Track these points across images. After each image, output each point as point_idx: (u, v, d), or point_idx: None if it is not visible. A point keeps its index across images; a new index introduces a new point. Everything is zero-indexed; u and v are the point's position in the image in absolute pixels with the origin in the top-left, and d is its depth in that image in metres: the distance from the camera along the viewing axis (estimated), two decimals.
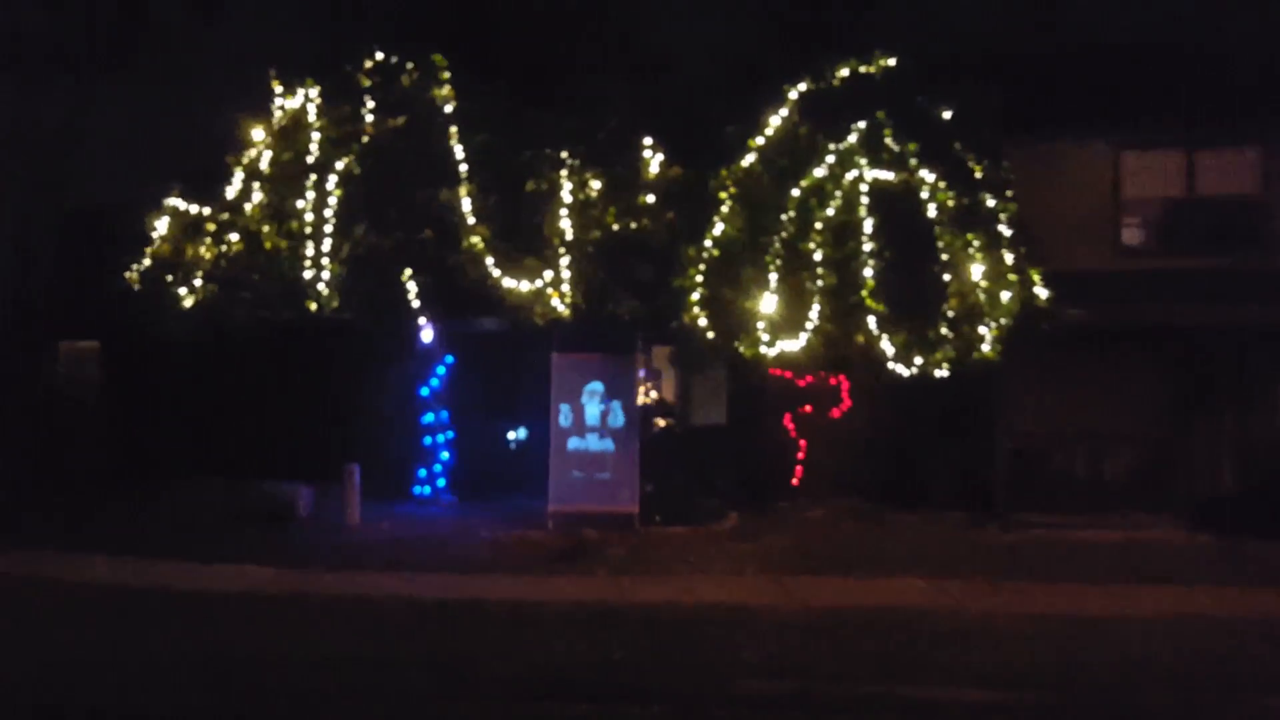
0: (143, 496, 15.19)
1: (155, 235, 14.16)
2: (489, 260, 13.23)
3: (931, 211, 13.68)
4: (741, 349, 13.64)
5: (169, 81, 16.53)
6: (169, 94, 16.53)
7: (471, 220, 13.26)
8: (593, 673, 8.37)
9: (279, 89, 13.92)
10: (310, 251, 13.12)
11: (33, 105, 17.01)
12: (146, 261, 14.14)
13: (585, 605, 10.25)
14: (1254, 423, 15.37)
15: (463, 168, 13.38)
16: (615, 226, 13.63)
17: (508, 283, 13.30)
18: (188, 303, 13.74)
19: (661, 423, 16.63)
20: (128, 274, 14.08)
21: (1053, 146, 15.79)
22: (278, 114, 13.90)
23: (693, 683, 8.21)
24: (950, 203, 13.70)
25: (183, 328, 14.03)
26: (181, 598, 10.31)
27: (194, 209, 14.14)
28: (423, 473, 15.41)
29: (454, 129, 13.44)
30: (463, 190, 13.26)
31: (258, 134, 13.91)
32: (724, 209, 13.53)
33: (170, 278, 13.99)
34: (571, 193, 13.46)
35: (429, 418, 15.29)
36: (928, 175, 13.71)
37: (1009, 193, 14.41)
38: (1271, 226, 15.82)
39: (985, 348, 13.81)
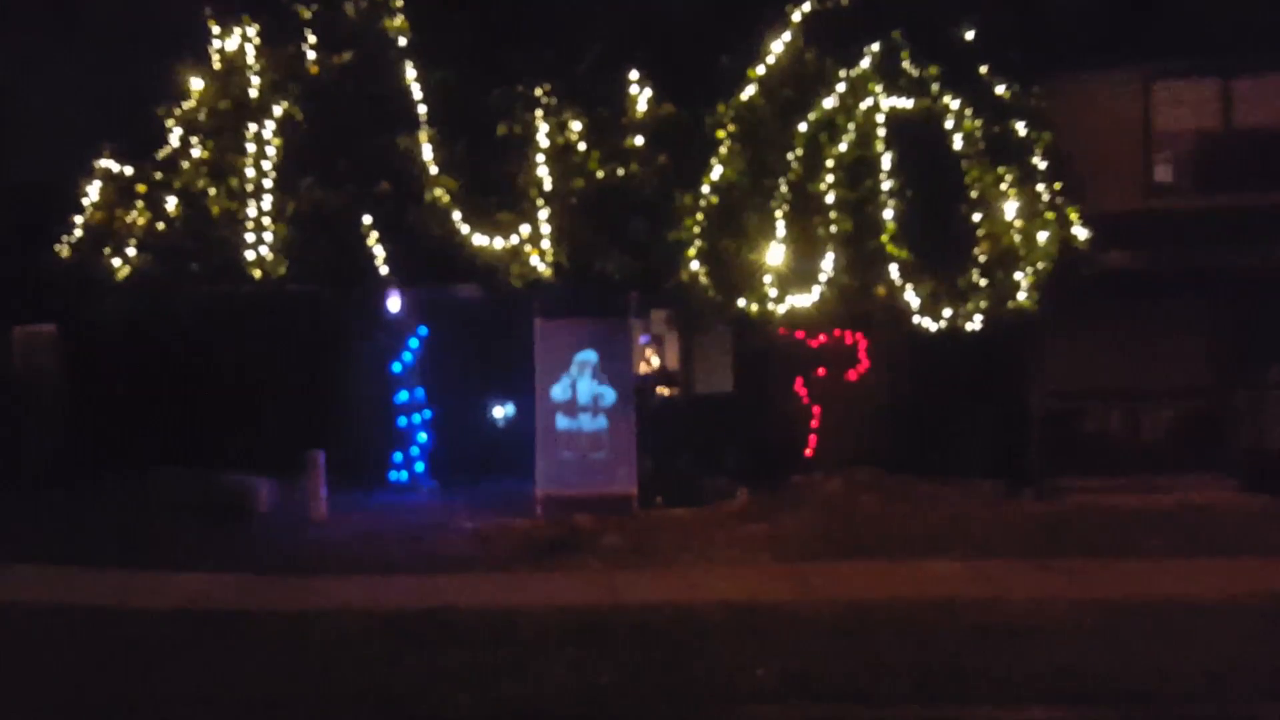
0: (98, 492, 13.75)
1: (87, 202, 12.65)
2: (456, 215, 11.69)
3: (958, 143, 12.30)
4: (747, 307, 12.18)
5: (105, 32, 14.98)
6: (105, 46, 14.96)
7: (434, 170, 11.72)
8: (572, 702, 6.93)
9: (215, 30, 12.35)
10: (252, 211, 11.59)
11: None
12: (78, 232, 12.65)
13: (571, 610, 8.76)
14: None
15: (422, 110, 11.85)
16: (600, 174, 12.16)
17: (478, 240, 11.79)
18: (122, 274, 12.23)
19: (665, 392, 15.18)
20: (57, 246, 12.58)
21: (1076, 77, 14.31)
22: (215, 58, 12.32)
23: (692, 711, 6.82)
24: (978, 132, 12.18)
25: (121, 304, 12.57)
26: (99, 616, 8.81)
27: (129, 171, 12.62)
28: (399, 457, 13.93)
29: (410, 65, 11.84)
30: (423, 136, 11.72)
31: (195, 83, 12.37)
32: (723, 150, 12.15)
33: (107, 250, 12.52)
34: (549, 136, 11.94)
35: (403, 396, 13.80)
36: (952, 102, 12.19)
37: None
38: None
39: (1021, 296, 12.37)
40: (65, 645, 8.23)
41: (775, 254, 11.94)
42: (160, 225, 12.23)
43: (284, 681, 7.33)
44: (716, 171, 12.05)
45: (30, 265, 14.26)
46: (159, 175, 12.33)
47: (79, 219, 12.71)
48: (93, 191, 12.71)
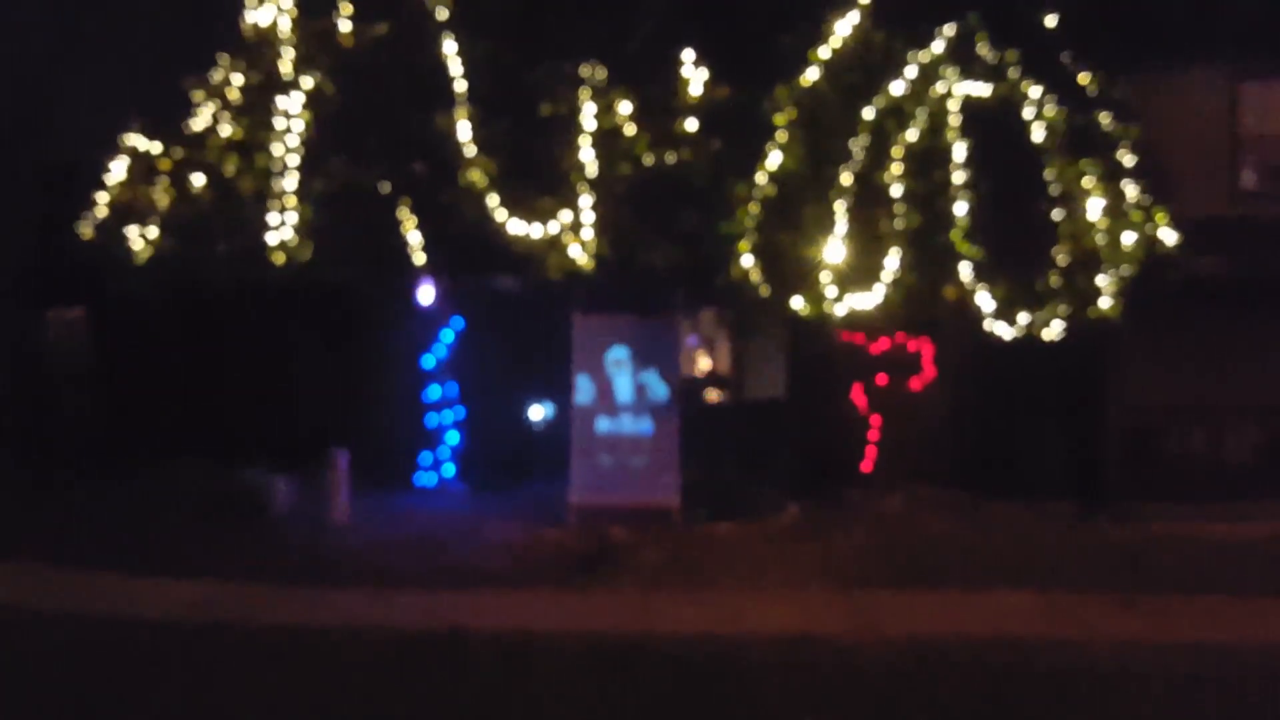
0: (115, 484, 13.25)
1: (112, 180, 12.09)
2: (493, 200, 10.89)
3: (1037, 134, 11.26)
4: (802, 307, 11.24)
5: (136, 7, 14.49)
6: (136, 22, 14.47)
7: (471, 151, 10.92)
8: None
9: (250, 1, 11.70)
10: (276, 191, 10.91)
11: None
12: (102, 210, 12.08)
13: (600, 638, 7.95)
14: None
15: (460, 86, 11.02)
16: (648, 159, 11.21)
17: (515, 227, 10.96)
18: (143, 256, 11.65)
19: (713, 396, 14.30)
20: (79, 224, 12.03)
21: (1157, 74, 13.28)
22: (248, 31, 11.68)
23: None
24: (1060, 123, 11.19)
25: (142, 287, 11.98)
26: (85, 626, 8.16)
27: (156, 148, 12.03)
28: (427, 458, 13.21)
29: (449, 38, 11.06)
30: (460, 114, 10.91)
31: (225, 57, 11.78)
32: (781, 136, 11.15)
33: (130, 228, 11.95)
34: (595, 117, 11.05)
35: (434, 393, 13.07)
36: (1032, 90, 11.22)
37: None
38: None
39: (1104, 303, 11.33)
40: (38, 657, 7.55)
41: (835, 250, 11.01)
42: (182, 205, 11.59)
43: (266, 709, 6.57)
44: (774, 159, 11.11)
45: (61, 246, 13.86)
46: (181, 152, 11.70)
47: (103, 197, 12.14)
48: (118, 169, 12.14)
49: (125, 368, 15.14)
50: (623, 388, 12.00)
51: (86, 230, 12.19)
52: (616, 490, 11.81)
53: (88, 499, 12.71)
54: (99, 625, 8.19)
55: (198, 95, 11.86)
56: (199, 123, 11.95)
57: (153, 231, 11.75)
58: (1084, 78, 11.88)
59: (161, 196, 11.72)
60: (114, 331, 15.28)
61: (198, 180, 11.71)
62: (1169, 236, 11.85)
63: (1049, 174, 11.26)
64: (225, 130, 11.71)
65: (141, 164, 12.14)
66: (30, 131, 15.81)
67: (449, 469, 13.19)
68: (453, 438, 13.20)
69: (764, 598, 9.26)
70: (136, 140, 12.17)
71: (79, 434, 15.66)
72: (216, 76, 11.76)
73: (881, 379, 13.39)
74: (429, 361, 13.08)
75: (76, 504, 12.50)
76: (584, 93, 11.06)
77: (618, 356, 11.99)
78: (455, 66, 11.08)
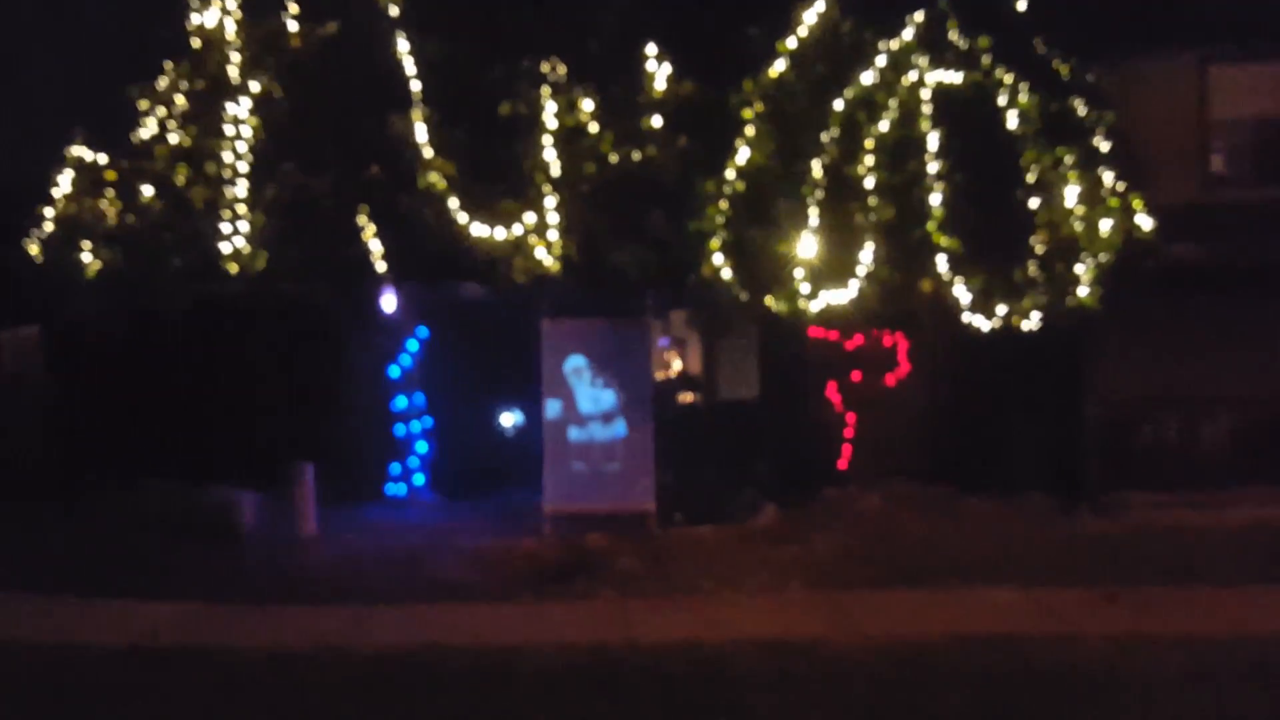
0: (74, 507, 12.81)
1: (58, 194, 11.68)
2: (453, 203, 10.56)
3: (1012, 121, 11.06)
4: (775, 305, 11.00)
5: (78, 16, 14.09)
6: (79, 30, 14.07)
7: (429, 153, 10.58)
8: None
9: (194, 4, 11.32)
10: (227, 199, 10.54)
11: None
12: (49, 226, 11.66)
13: (577, 650, 7.65)
14: None
15: (415, 86, 10.70)
16: (614, 158, 10.95)
17: (477, 230, 10.63)
18: (92, 271, 11.25)
19: (686, 399, 14.05)
20: (26, 241, 11.61)
21: (1126, 60, 13.14)
22: (193, 36, 11.31)
23: None
24: (1034, 110, 11.01)
25: (94, 304, 11.61)
26: (34, 655, 7.72)
27: (102, 159, 11.63)
28: (396, 468, 12.86)
29: (402, 37, 10.73)
30: (416, 115, 10.58)
31: (170, 62, 11.42)
32: (749, 131, 10.91)
33: (81, 244, 11.54)
34: (557, 116, 10.76)
35: (401, 403, 12.72)
36: (1005, 76, 11.05)
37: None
38: None
39: (1082, 291, 11.15)
40: None
41: (808, 245, 10.76)
42: (131, 217, 11.19)
43: None
44: (743, 155, 10.85)
45: (10, 263, 13.41)
46: (128, 163, 11.33)
47: (49, 212, 11.72)
48: (64, 182, 11.73)
49: (82, 387, 14.66)
50: (586, 395, 11.70)
51: (33, 247, 11.77)
52: (591, 496, 11.52)
53: (47, 523, 12.23)
54: (53, 654, 7.77)
55: (143, 103, 11.51)
56: (145, 132, 11.60)
57: (102, 246, 11.33)
58: (1057, 63, 11.73)
59: (109, 209, 11.31)
60: (69, 350, 14.80)
61: (147, 191, 11.34)
62: (1146, 223, 11.73)
63: (1024, 162, 11.09)
64: (173, 138, 11.38)
65: (87, 176, 11.75)
66: None
67: (419, 479, 12.88)
68: (422, 447, 12.87)
69: (745, 602, 9.01)
70: (81, 152, 11.77)
71: (36, 456, 15.19)
72: (162, 83, 11.41)
73: (856, 376, 13.15)
74: (395, 371, 12.76)
75: (35, 528, 12.00)
76: (545, 91, 10.77)
77: (576, 364, 11.70)
78: (410, 66, 10.76)
